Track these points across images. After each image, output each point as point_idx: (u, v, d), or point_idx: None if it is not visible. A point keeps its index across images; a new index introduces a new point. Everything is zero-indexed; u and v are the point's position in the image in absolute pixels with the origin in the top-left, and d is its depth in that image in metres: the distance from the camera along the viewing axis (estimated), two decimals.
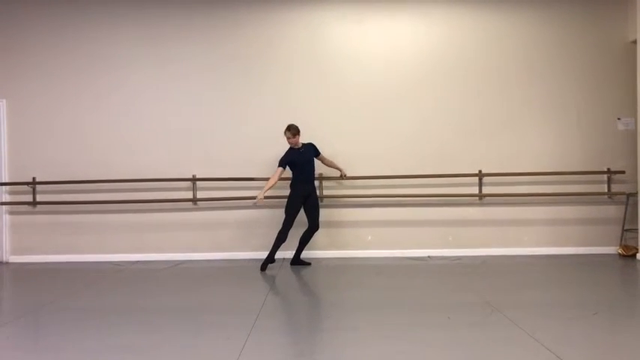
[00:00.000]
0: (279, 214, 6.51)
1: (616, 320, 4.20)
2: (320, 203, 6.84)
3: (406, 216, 7.20)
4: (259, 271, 6.26)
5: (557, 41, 7.26)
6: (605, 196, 7.20)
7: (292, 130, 6.35)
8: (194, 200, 7.16)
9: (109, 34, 7.26)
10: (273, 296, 5.19)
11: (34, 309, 4.65)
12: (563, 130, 7.23)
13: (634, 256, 6.82)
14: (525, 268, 6.36)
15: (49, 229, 7.23)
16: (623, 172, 7.13)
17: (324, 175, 7.05)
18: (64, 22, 7.26)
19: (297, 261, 6.64)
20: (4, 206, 7.27)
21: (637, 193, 6.90)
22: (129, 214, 7.22)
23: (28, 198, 7.21)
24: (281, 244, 6.35)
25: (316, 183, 6.86)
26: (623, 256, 6.90)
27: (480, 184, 7.15)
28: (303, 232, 6.57)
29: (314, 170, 6.60)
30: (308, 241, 6.62)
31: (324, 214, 6.95)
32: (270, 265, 6.38)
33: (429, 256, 7.07)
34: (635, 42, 6.90)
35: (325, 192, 7.12)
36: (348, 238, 7.18)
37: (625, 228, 7.09)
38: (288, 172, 6.60)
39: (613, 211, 7.20)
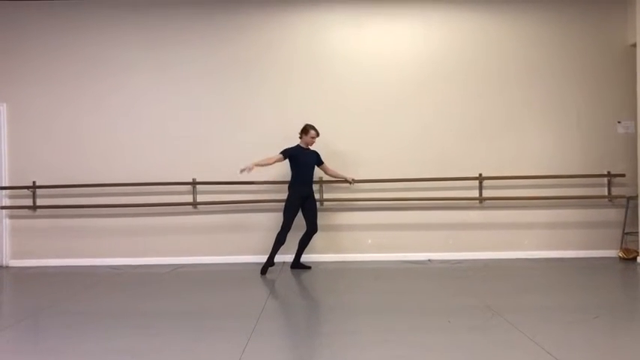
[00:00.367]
0: (279, 218, 6.51)
1: (617, 324, 4.20)
2: (320, 207, 6.85)
3: (406, 219, 7.19)
4: (259, 275, 6.25)
5: (557, 45, 7.26)
6: (606, 200, 7.19)
7: (317, 131, 6.48)
8: (194, 204, 7.16)
9: (109, 38, 7.27)
10: (273, 300, 5.18)
11: (35, 313, 4.64)
12: (563, 133, 7.23)
13: (634, 259, 6.81)
14: (526, 272, 6.35)
15: (49, 233, 7.22)
16: (623, 176, 7.12)
17: (324, 179, 7.04)
18: (64, 26, 7.28)
19: (297, 264, 6.63)
20: (4, 210, 7.26)
21: (637, 196, 6.89)
22: (129, 217, 7.22)
23: (28, 202, 7.21)
24: (280, 246, 6.35)
25: (316, 187, 6.86)
26: (624, 259, 6.89)
27: (481, 188, 7.15)
28: (301, 235, 6.57)
29: (313, 174, 6.61)
30: (307, 244, 6.62)
31: (324, 217, 6.96)
32: (270, 268, 6.37)
33: (429, 260, 7.07)
34: (634, 45, 6.90)
35: (325, 195, 7.12)
36: (348, 242, 7.18)
37: (625, 231, 7.08)
38: (287, 174, 6.60)
39: (613, 214, 7.19)
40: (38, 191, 7.21)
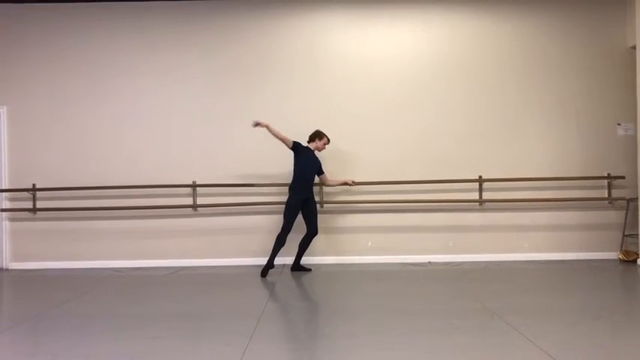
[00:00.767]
0: (279, 220, 6.51)
1: (617, 325, 4.19)
2: (320, 209, 6.86)
3: (406, 222, 7.19)
4: (259, 277, 6.25)
5: (557, 47, 7.27)
6: (606, 202, 7.19)
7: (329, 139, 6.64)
8: (194, 206, 7.16)
9: (110, 41, 7.28)
10: (274, 302, 5.18)
11: (34, 316, 4.63)
12: (563, 135, 7.24)
13: (635, 261, 6.81)
14: (526, 274, 6.35)
15: (49, 235, 7.22)
16: (623, 178, 7.13)
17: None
18: (65, 30, 7.29)
19: (297, 267, 6.63)
20: (4, 213, 7.26)
21: (637, 198, 6.89)
22: (129, 220, 7.22)
23: (28, 205, 7.21)
24: (280, 248, 6.35)
25: (316, 189, 6.86)
26: (624, 261, 6.89)
27: (481, 190, 7.15)
28: (302, 238, 6.57)
29: (314, 178, 6.62)
30: (307, 247, 6.62)
31: (324, 220, 6.96)
32: (270, 270, 6.37)
33: (429, 262, 7.06)
34: (634, 47, 6.91)
35: (325, 198, 7.12)
36: (348, 244, 7.18)
37: (625, 233, 7.08)
38: (287, 177, 6.61)
39: (613, 216, 7.19)
40: (38, 194, 7.21)
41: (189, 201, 7.18)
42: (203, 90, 7.26)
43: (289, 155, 6.72)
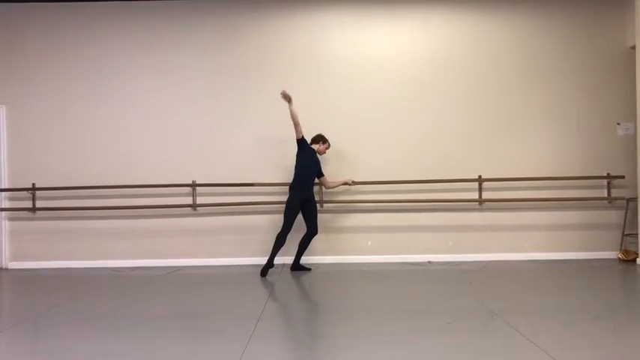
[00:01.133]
0: (279, 220, 6.51)
1: (617, 325, 4.19)
2: (320, 209, 6.86)
3: (406, 221, 7.19)
4: (259, 277, 6.24)
5: (556, 47, 7.27)
6: (605, 201, 7.19)
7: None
8: (193, 206, 7.16)
9: (109, 41, 7.27)
10: (273, 302, 5.17)
11: (33, 315, 4.63)
12: (563, 135, 7.24)
13: (634, 260, 6.81)
14: (526, 274, 6.35)
15: (48, 235, 7.22)
16: (622, 177, 7.13)
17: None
18: (64, 30, 7.28)
19: (297, 266, 6.63)
20: (3, 212, 7.26)
21: (637, 198, 6.89)
22: (128, 220, 7.22)
23: (28, 204, 7.20)
24: (280, 247, 6.35)
25: (316, 189, 6.86)
26: (624, 260, 6.89)
27: (480, 190, 7.15)
28: (301, 237, 6.57)
29: (314, 178, 6.63)
30: (307, 246, 6.62)
31: (324, 219, 6.96)
32: (270, 270, 6.36)
33: (429, 262, 7.06)
34: (634, 47, 6.91)
35: (325, 197, 7.12)
36: (348, 244, 7.18)
37: (625, 233, 7.08)
38: (287, 176, 6.62)
39: (613, 216, 7.19)
40: (38, 193, 7.20)
41: (188, 200, 7.18)
42: (203, 89, 7.26)
43: (289, 155, 6.74)
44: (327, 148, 6.76)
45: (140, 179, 7.15)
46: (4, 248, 7.24)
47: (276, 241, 6.35)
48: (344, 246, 7.17)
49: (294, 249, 6.60)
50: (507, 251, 7.15)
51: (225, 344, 3.70)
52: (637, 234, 6.88)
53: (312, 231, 6.57)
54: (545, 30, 7.28)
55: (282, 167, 7.01)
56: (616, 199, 7.15)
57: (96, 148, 7.24)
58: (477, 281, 5.90)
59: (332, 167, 7.04)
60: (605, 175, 7.17)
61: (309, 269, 6.63)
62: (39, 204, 7.21)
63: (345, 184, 6.93)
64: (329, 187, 6.92)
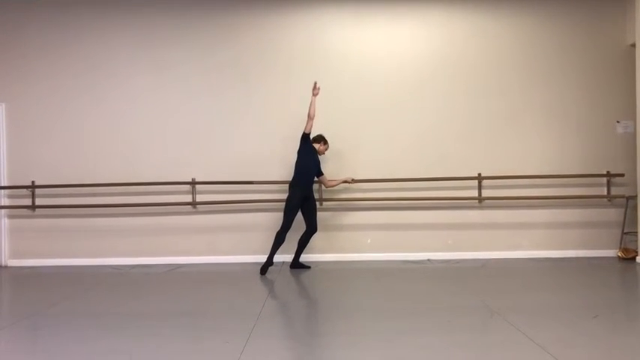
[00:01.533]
0: (278, 218, 6.51)
1: (616, 323, 4.19)
2: (319, 207, 6.86)
3: (406, 219, 7.19)
4: (259, 275, 6.25)
5: (556, 45, 7.27)
6: (605, 199, 7.19)
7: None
8: (193, 204, 7.15)
9: (108, 38, 7.26)
10: (273, 300, 5.18)
11: (33, 313, 4.63)
12: (562, 133, 7.23)
13: (634, 259, 6.81)
14: (525, 272, 6.35)
15: (48, 233, 7.21)
16: (622, 175, 7.13)
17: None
18: (63, 27, 7.27)
19: (296, 264, 6.63)
20: (3, 210, 7.26)
21: (636, 196, 6.89)
22: (128, 217, 7.22)
23: (27, 202, 7.20)
24: (279, 245, 6.35)
25: (315, 187, 6.86)
26: (623, 259, 6.89)
27: (480, 188, 7.15)
28: (301, 235, 6.57)
29: (314, 176, 6.63)
30: (306, 244, 6.62)
31: (323, 217, 6.96)
32: (269, 268, 6.36)
33: (428, 260, 7.07)
34: (633, 45, 6.91)
35: (325, 195, 7.11)
36: (348, 242, 7.18)
37: (624, 231, 7.08)
38: (287, 175, 6.61)
39: (612, 214, 7.20)
40: (37, 191, 7.20)
41: (188, 198, 7.18)
42: (202, 87, 7.25)
43: (288, 153, 6.74)
44: (327, 149, 6.77)
45: (140, 177, 7.15)
46: (4, 246, 7.24)
47: (275, 239, 6.35)
48: (343, 244, 7.18)
49: (294, 247, 6.60)
50: (507, 249, 7.16)
51: (224, 342, 3.70)
52: (636, 232, 6.88)
53: (311, 229, 6.57)
54: (545, 28, 7.27)
55: (282, 165, 7.01)
56: (615, 197, 7.15)
57: (95, 146, 7.23)
58: (476, 279, 5.91)
59: (332, 165, 7.04)
60: (604, 173, 7.17)
61: (309, 267, 6.63)
62: (38, 202, 7.20)
63: (345, 182, 6.93)
64: (328, 187, 6.92)
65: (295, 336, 4.10)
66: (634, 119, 7.01)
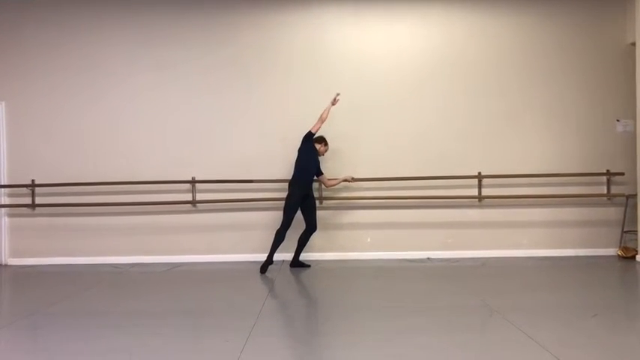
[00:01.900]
0: (278, 216, 6.50)
1: (616, 322, 4.19)
2: (319, 205, 6.86)
3: (405, 218, 7.19)
4: (259, 274, 6.25)
5: (556, 44, 7.26)
6: (605, 198, 7.19)
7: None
8: (193, 202, 7.15)
9: (108, 36, 7.26)
10: (273, 299, 5.18)
11: (33, 312, 4.63)
12: (562, 132, 7.23)
13: (633, 257, 6.81)
14: (525, 270, 6.36)
15: (48, 231, 7.21)
16: (622, 174, 7.12)
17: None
18: (63, 25, 7.26)
19: (296, 263, 6.63)
20: (3, 209, 7.25)
21: (636, 194, 6.89)
22: (128, 216, 7.21)
23: (27, 200, 7.20)
24: (279, 244, 6.35)
25: (315, 185, 6.86)
26: (623, 257, 6.89)
27: (480, 186, 7.15)
28: (300, 234, 6.57)
29: (314, 175, 6.63)
30: (306, 243, 6.63)
31: (323, 216, 6.96)
32: (269, 266, 6.36)
33: (428, 258, 7.07)
34: (633, 44, 6.90)
35: (324, 194, 7.11)
36: (348, 240, 7.18)
37: (624, 230, 7.08)
38: (286, 173, 6.62)
39: (612, 212, 7.20)
40: (37, 190, 7.20)
41: (188, 197, 7.18)
42: (202, 86, 7.24)
43: (288, 152, 6.74)
44: (326, 150, 6.78)
45: (140, 176, 7.14)
46: (4, 245, 7.23)
47: (275, 238, 6.35)
48: (343, 243, 7.18)
49: (294, 246, 6.60)
50: (507, 248, 7.15)
51: (224, 340, 3.71)
52: (636, 231, 6.88)
53: (311, 228, 6.57)
54: (544, 27, 7.27)
55: (282, 164, 7.01)
56: (615, 195, 7.15)
57: (95, 145, 7.23)
58: (475, 278, 5.91)
59: (331, 164, 7.03)
60: (604, 171, 7.17)
61: (309, 266, 6.63)
62: (38, 200, 7.20)
63: (345, 181, 6.93)
64: (329, 186, 6.91)
65: (295, 335, 4.10)
66: (634, 118, 7.00)
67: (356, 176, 7.01)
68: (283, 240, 6.37)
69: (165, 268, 6.76)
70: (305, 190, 6.46)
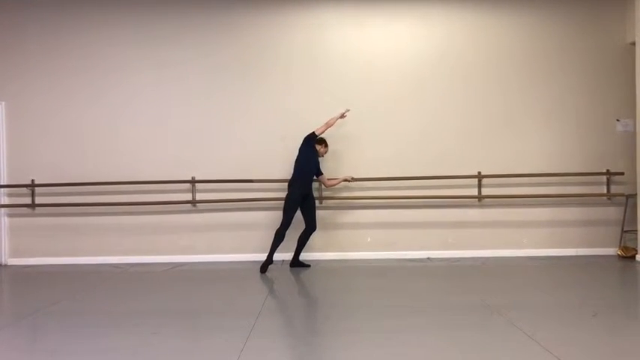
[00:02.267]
0: (278, 216, 6.50)
1: (616, 321, 4.19)
2: (319, 205, 6.86)
3: (406, 217, 7.19)
4: (258, 273, 6.25)
5: (556, 43, 7.26)
6: (605, 198, 7.19)
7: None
8: (193, 202, 7.15)
9: (108, 36, 7.25)
10: (273, 298, 5.18)
11: (33, 312, 4.63)
12: (562, 131, 7.23)
13: (633, 257, 6.81)
14: (525, 270, 6.36)
15: (48, 231, 7.21)
16: (622, 174, 7.12)
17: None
18: (63, 25, 7.26)
19: (296, 262, 6.63)
20: (3, 209, 7.25)
21: (636, 194, 6.89)
22: (128, 216, 7.21)
23: (27, 200, 7.20)
24: (279, 243, 6.35)
25: (315, 185, 6.86)
26: (623, 257, 6.89)
27: (480, 186, 7.15)
28: (300, 234, 6.57)
29: (314, 175, 6.64)
30: (306, 242, 6.63)
31: (323, 215, 6.96)
32: (269, 266, 6.36)
33: (428, 258, 7.07)
34: (633, 44, 6.90)
35: (324, 193, 7.11)
36: (348, 240, 7.18)
37: (624, 229, 7.08)
38: (286, 173, 6.62)
39: (612, 212, 7.20)
40: (37, 189, 7.19)
41: (188, 197, 7.18)
42: (202, 86, 7.24)
43: (288, 151, 6.74)
44: (326, 152, 6.78)
45: (140, 175, 7.14)
46: (4, 245, 7.23)
47: (275, 238, 6.35)
48: (343, 242, 7.17)
49: (294, 245, 6.60)
50: (507, 247, 7.15)
51: (225, 340, 3.71)
52: (636, 230, 6.88)
53: (311, 227, 6.57)
54: (544, 26, 7.27)
55: (282, 164, 7.00)
56: (615, 195, 7.15)
57: (95, 145, 7.22)
58: (476, 277, 5.91)
59: (331, 164, 7.03)
60: (604, 171, 7.17)
61: (309, 266, 6.63)
62: (38, 200, 7.20)
63: (345, 180, 6.93)
64: (328, 186, 6.92)
65: (295, 334, 4.10)
66: (634, 117, 7.00)
67: (356, 176, 7.01)
68: (283, 240, 6.37)
69: (165, 267, 6.76)
70: (305, 190, 6.46)
